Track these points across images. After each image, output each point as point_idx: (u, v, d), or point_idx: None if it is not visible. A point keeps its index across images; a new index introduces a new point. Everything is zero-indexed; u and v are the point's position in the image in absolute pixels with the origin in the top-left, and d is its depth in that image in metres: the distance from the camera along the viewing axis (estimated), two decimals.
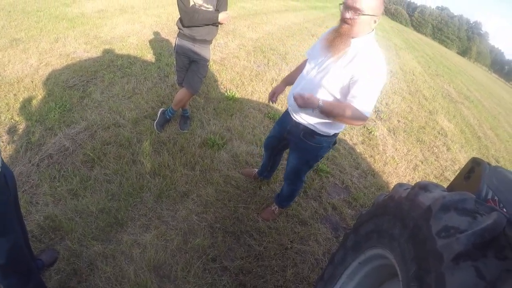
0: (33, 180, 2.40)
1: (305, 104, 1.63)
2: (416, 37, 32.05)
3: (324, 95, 1.76)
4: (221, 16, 2.63)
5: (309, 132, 1.97)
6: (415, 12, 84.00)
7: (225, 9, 2.70)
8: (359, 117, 1.64)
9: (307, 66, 1.93)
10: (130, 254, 2.07)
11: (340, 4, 1.65)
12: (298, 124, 2.00)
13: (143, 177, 2.65)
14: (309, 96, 1.63)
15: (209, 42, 2.86)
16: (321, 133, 1.94)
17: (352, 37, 1.65)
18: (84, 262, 1.96)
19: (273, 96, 2.28)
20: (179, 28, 2.77)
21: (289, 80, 2.22)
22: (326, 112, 1.66)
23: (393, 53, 13.35)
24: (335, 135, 2.01)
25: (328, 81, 1.74)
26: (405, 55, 14.80)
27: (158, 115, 3.31)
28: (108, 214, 2.26)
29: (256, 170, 2.97)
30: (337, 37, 1.67)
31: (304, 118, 1.94)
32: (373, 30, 1.68)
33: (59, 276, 1.86)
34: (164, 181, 2.66)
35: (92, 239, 2.09)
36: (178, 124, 3.39)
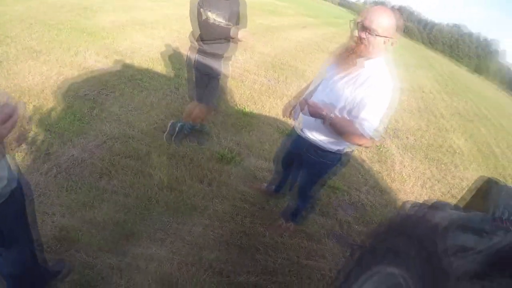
0: (49, 191, 2.40)
1: (315, 111, 1.64)
2: (429, 55, 31.79)
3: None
4: (241, 34, 2.56)
5: (313, 147, 1.98)
6: (427, 29, 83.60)
7: (245, 26, 2.67)
8: (364, 138, 1.65)
9: (321, 82, 1.96)
10: (144, 267, 2.06)
11: (351, 20, 1.68)
12: (303, 139, 2.02)
13: (160, 191, 2.68)
14: (319, 104, 1.65)
15: (222, 56, 2.78)
16: (326, 149, 1.95)
17: (365, 57, 1.68)
18: (98, 274, 1.95)
19: (286, 111, 2.29)
20: (191, 42, 2.74)
21: (300, 95, 2.22)
22: (334, 125, 1.65)
23: (406, 71, 13.28)
24: (340, 151, 1.99)
25: (336, 99, 1.76)
26: (420, 73, 14.71)
27: (176, 129, 3.26)
28: (123, 227, 2.27)
29: (266, 184, 3.00)
30: (349, 55, 1.71)
31: (309, 133, 1.97)
32: (387, 52, 1.70)
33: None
34: (181, 196, 2.68)
35: (107, 252, 2.08)
36: (195, 139, 3.42)
